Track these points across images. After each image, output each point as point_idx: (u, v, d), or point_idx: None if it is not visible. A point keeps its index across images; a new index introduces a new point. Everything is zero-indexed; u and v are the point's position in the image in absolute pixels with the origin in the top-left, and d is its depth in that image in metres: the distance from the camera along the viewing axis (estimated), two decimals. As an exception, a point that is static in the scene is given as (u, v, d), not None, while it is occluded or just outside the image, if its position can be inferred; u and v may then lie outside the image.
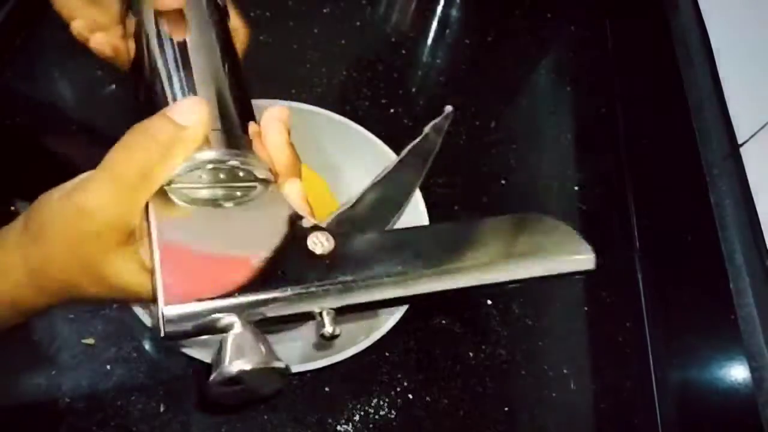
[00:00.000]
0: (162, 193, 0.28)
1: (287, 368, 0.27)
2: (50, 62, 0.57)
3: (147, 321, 0.38)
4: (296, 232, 0.28)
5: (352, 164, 0.49)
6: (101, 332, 0.43)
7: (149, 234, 0.27)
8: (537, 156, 0.64)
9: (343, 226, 0.30)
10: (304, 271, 0.27)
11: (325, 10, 0.69)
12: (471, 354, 0.48)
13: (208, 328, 0.26)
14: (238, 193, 0.29)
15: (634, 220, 0.59)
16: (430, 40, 0.71)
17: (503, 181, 0.60)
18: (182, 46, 0.31)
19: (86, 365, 0.41)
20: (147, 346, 0.43)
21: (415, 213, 0.46)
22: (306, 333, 0.45)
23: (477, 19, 0.74)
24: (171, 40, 0.31)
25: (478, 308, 0.51)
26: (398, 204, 0.31)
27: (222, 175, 0.28)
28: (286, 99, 0.49)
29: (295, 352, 0.43)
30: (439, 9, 0.74)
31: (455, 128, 0.62)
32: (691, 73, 0.57)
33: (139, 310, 0.38)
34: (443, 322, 0.49)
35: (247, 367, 0.25)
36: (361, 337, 0.40)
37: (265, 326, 0.27)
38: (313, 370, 0.39)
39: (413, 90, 0.66)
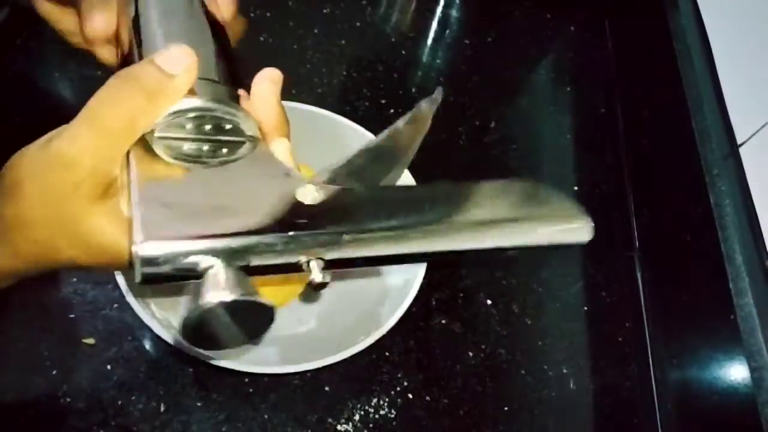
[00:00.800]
0: (143, 143, 0.27)
1: (273, 307, 0.25)
2: (50, 62, 0.57)
3: (151, 323, 0.38)
4: (284, 185, 0.27)
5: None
6: (101, 332, 0.43)
7: (129, 181, 0.26)
8: (537, 156, 0.64)
9: (332, 181, 0.28)
10: (291, 219, 0.26)
11: (325, 11, 0.69)
12: (471, 354, 0.48)
13: (188, 269, 0.24)
14: (224, 150, 0.28)
15: (634, 220, 0.59)
16: (430, 40, 0.71)
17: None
18: (166, 9, 0.30)
19: (86, 365, 0.41)
20: (147, 346, 0.43)
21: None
22: (306, 333, 0.45)
23: (477, 19, 0.74)
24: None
25: (478, 308, 0.51)
26: (389, 166, 0.30)
27: (207, 127, 0.27)
28: (286, 99, 0.49)
29: (295, 352, 0.43)
30: (439, 9, 0.74)
31: (455, 128, 0.62)
32: (690, 73, 0.57)
33: (140, 310, 0.38)
34: (443, 322, 0.49)
35: (228, 298, 0.23)
36: (361, 337, 0.40)
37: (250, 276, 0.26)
38: (313, 370, 0.39)
39: (413, 90, 0.66)
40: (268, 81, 0.30)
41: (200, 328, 0.24)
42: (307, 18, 0.67)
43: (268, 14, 0.66)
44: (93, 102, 0.25)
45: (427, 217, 0.28)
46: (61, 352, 0.41)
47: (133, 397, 0.41)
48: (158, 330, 0.37)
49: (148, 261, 0.24)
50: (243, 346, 0.29)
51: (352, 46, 0.67)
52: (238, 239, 0.25)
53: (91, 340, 0.42)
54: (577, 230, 0.31)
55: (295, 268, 0.26)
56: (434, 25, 0.72)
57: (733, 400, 0.42)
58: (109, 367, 0.42)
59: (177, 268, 0.24)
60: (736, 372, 0.42)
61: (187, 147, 0.27)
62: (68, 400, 0.40)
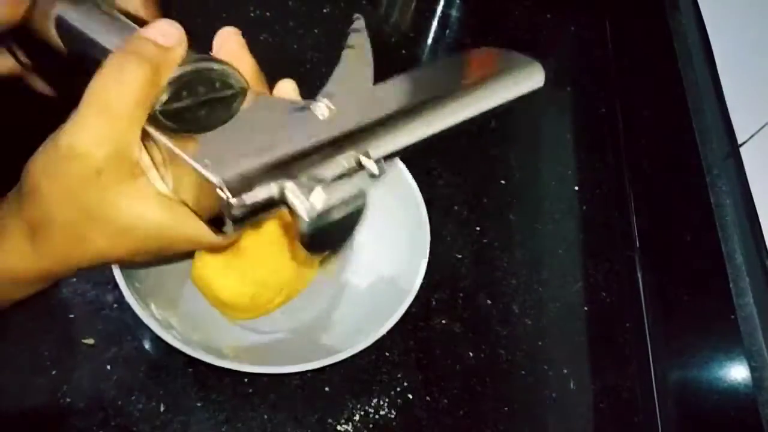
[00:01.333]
0: (154, 119, 0.27)
1: (364, 192, 0.28)
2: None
3: (151, 323, 0.38)
4: (298, 111, 0.29)
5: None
6: (101, 332, 0.43)
7: (159, 157, 0.26)
8: (537, 156, 0.64)
9: (334, 93, 0.31)
10: (323, 132, 0.28)
11: (325, 10, 0.69)
12: (471, 354, 0.48)
13: (270, 199, 0.26)
14: (221, 108, 0.28)
15: (634, 220, 0.59)
16: (430, 40, 0.71)
17: (503, 181, 0.60)
18: None
19: (86, 365, 0.41)
20: (147, 346, 0.43)
21: (416, 213, 0.46)
22: (306, 333, 0.45)
23: (477, 19, 0.74)
24: None
25: (478, 308, 0.51)
26: (365, 72, 0.33)
27: (200, 88, 0.27)
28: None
29: (295, 352, 0.43)
30: (439, 9, 0.74)
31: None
32: (691, 74, 0.57)
33: (139, 310, 0.38)
34: (443, 322, 0.49)
35: (331, 200, 0.26)
36: (361, 337, 0.40)
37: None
38: (313, 370, 0.39)
39: (413, 90, 0.65)
40: (233, 36, 0.30)
41: (318, 233, 0.27)
42: (307, 18, 0.67)
43: (268, 14, 0.66)
44: (96, 85, 0.25)
45: (425, 97, 0.31)
46: (61, 352, 0.41)
47: (133, 397, 0.41)
48: (158, 330, 0.37)
49: (235, 188, 0.25)
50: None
51: (352, 46, 0.67)
52: (299, 160, 0.27)
53: (90, 340, 0.42)
54: (533, 76, 0.34)
55: (349, 171, 0.28)
56: (434, 25, 0.72)
57: (734, 400, 0.42)
58: (108, 367, 0.42)
59: (259, 199, 0.26)
60: (736, 372, 0.42)
61: (191, 114, 0.27)
62: (68, 400, 0.40)
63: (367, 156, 0.28)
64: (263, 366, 0.39)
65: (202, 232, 0.27)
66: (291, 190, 0.26)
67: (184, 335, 0.39)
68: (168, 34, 0.26)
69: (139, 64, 0.25)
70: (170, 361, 0.42)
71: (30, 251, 0.26)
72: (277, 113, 0.29)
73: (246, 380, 0.43)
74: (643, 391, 0.49)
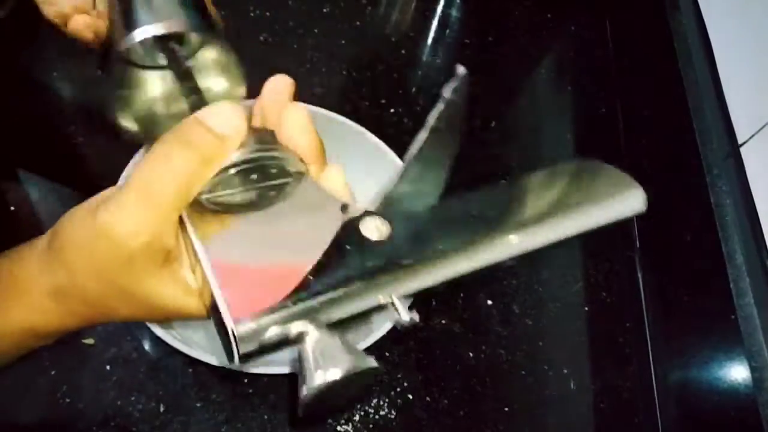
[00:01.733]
0: (195, 204, 0.25)
1: (379, 367, 0.25)
2: (50, 62, 0.57)
3: (150, 324, 0.37)
4: (347, 221, 0.26)
5: (352, 165, 0.49)
6: (101, 332, 0.43)
7: (191, 252, 0.25)
8: (537, 156, 0.64)
9: (392, 207, 0.27)
10: (365, 261, 0.25)
11: (325, 10, 0.69)
12: (471, 354, 0.48)
13: (282, 340, 0.24)
14: (272, 193, 0.27)
15: (634, 220, 0.59)
16: (430, 40, 0.71)
17: (503, 181, 0.60)
18: None
19: (86, 365, 0.41)
20: (146, 346, 0.43)
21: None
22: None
23: (477, 19, 0.74)
24: None
25: (478, 308, 0.51)
26: (439, 177, 0.29)
27: (254, 176, 0.26)
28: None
29: (294, 353, 0.42)
30: (439, 9, 0.74)
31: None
32: (691, 74, 0.57)
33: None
34: (443, 322, 0.49)
35: (338, 375, 0.23)
36: (360, 338, 0.40)
37: (338, 329, 0.25)
38: (313, 370, 0.39)
39: (413, 90, 0.65)
40: (299, 110, 0.28)
41: (317, 403, 0.24)
42: (307, 18, 0.67)
43: (268, 14, 0.66)
44: (143, 171, 0.23)
45: (498, 222, 0.28)
46: (60, 353, 0.41)
47: (132, 398, 0.41)
48: (158, 330, 0.37)
49: (245, 339, 0.23)
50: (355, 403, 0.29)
51: (352, 46, 0.67)
52: (322, 297, 0.24)
53: (90, 341, 0.42)
54: (631, 200, 0.31)
55: (380, 308, 0.26)
56: (434, 24, 0.72)
57: (734, 400, 0.42)
58: (108, 367, 0.42)
59: (272, 339, 0.24)
60: (736, 372, 0.42)
61: (238, 198, 0.26)
62: (68, 400, 0.40)
63: (403, 298, 0.26)
64: (263, 366, 0.39)
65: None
66: (304, 350, 0.24)
67: (184, 335, 0.39)
68: (228, 121, 0.24)
69: (189, 154, 0.23)
70: (170, 361, 0.42)
71: (54, 310, 0.25)
72: (323, 216, 0.26)
73: (246, 381, 0.43)
74: (644, 392, 0.49)
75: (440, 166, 0.30)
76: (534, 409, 0.47)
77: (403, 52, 0.68)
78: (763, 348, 0.41)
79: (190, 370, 0.42)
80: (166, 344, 0.37)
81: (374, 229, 0.26)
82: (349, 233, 0.26)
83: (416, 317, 0.25)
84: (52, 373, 0.41)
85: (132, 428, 0.40)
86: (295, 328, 0.24)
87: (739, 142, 0.48)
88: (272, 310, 0.24)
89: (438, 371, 0.47)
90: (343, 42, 0.67)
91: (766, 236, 0.42)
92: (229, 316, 0.23)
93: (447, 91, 0.31)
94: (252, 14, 0.65)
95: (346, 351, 0.24)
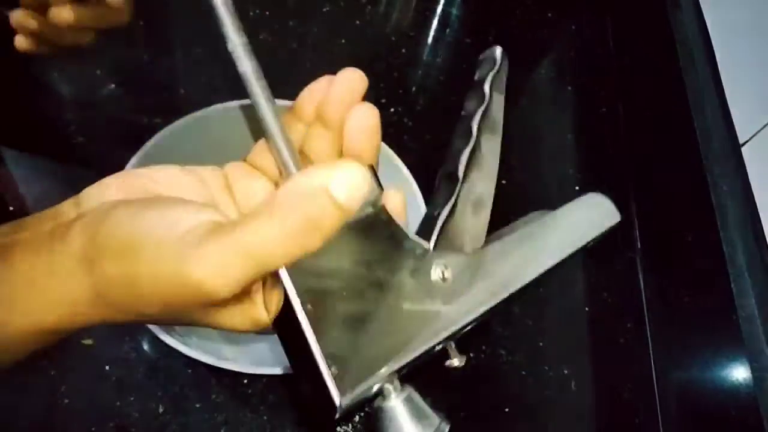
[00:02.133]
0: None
1: (448, 423, 0.26)
2: (50, 62, 0.57)
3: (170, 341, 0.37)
4: (417, 264, 0.26)
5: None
6: (101, 332, 0.43)
7: (289, 307, 0.23)
8: (537, 156, 0.64)
9: (448, 245, 0.27)
10: (438, 310, 0.26)
11: (325, 10, 0.69)
12: (471, 354, 0.48)
13: (370, 399, 0.25)
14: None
15: (635, 221, 0.58)
16: (430, 39, 0.71)
17: (503, 181, 0.60)
18: None
19: (86, 365, 0.41)
20: (146, 346, 0.43)
21: (417, 213, 0.46)
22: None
23: (477, 18, 0.74)
24: None
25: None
26: (484, 204, 0.30)
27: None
28: (285, 99, 0.49)
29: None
30: (439, 9, 0.74)
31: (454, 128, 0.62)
32: (692, 73, 0.57)
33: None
34: (443, 322, 0.49)
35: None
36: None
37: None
38: (313, 370, 0.39)
39: (413, 90, 0.65)
40: (371, 110, 0.28)
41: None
42: (307, 17, 0.67)
43: (268, 13, 0.66)
44: (249, 226, 0.21)
45: (537, 259, 0.30)
46: (59, 353, 0.41)
47: (131, 398, 0.41)
48: (157, 331, 0.37)
49: (345, 407, 0.23)
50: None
51: (351, 46, 0.67)
52: (405, 356, 0.25)
53: (89, 341, 0.42)
54: (609, 219, 0.32)
55: (438, 357, 0.27)
56: (434, 24, 0.72)
57: (735, 401, 0.42)
58: (107, 367, 0.42)
59: (364, 400, 0.25)
60: (737, 373, 0.42)
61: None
62: (66, 400, 0.40)
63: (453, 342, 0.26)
64: (263, 367, 0.39)
65: None
66: (391, 408, 0.25)
67: (183, 336, 0.39)
68: (354, 192, 0.21)
69: (307, 226, 0.21)
70: (169, 361, 0.42)
71: (84, 313, 0.23)
72: (392, 257, 0.25)
73: (245, 381, 0.43)
74: (644, 392, 0.49)
75: (483, 193, 0.30)
76: (534, 409, 0.47)
77: (403, 51, 0.68)
78: (764, 349, 0.41)
79: (190, 370, 0.42)
80: (166, 345, 0.37)
81: (440, 273, 0.26)
82: (420, 278, 0.26)
83: (464, 360, 0.26)
84: (52, 373, 0.40)
85: (131, 429, 0.40)
86: (381, 386, 0.25)
87: (740, 142, 0.48)
88: (370, 378, 0.24)
89: (438, 371, 0.46)
90: (343, 41, 0.67)
91: (767, 236, 0.42)
92: (336, 391, 0.23)
93: (486, 85, 0.31)
94: (252, 14, 0.65)
95: (431, 408, 0.26)
